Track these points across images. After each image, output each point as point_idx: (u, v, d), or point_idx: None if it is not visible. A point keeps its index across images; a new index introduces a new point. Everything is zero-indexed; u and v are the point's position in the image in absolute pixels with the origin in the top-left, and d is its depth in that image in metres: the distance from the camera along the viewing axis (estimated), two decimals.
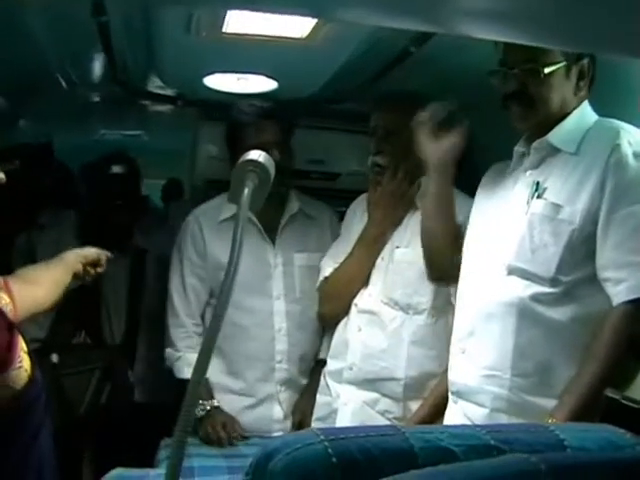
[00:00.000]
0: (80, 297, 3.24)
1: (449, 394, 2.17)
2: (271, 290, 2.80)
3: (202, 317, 2.85)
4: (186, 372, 2.75)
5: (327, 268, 2.68)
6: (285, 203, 2.86)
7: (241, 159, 1.18)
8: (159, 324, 3.28)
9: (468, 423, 2.01)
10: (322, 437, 0.98)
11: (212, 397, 2.74)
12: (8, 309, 1.53)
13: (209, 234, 2.81)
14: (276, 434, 2.74)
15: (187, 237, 2.85)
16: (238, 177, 1.15)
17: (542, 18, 1.05)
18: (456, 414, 2.11)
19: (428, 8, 1.10)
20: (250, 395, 2.81)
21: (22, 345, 1.33)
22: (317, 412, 2.67)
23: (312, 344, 2.84)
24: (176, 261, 2.86)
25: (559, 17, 1.03)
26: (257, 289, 2.78)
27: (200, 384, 1.00)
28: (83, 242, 3.30)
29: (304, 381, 2.84)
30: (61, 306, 3.16)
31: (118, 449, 2.99)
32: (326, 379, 2.66)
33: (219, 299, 1.02)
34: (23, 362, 1.30)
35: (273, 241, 2.83)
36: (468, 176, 2.39)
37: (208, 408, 2.71)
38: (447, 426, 1.82)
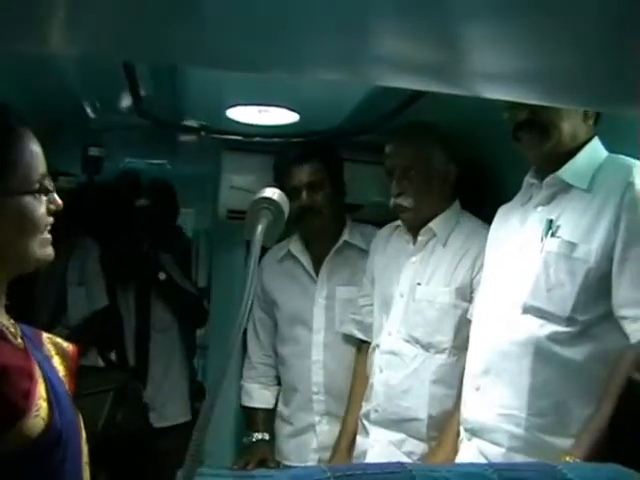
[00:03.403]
0: (97, 320, 3.29)
1: (462, 431, 2.14)
2: (312, 323, 2.85)
3: (275, 350, 2.97)
4: (245, 400, 2.96)
5: (356, 330, 2.77)
6: (338, 237, 2.90)
7: (256, 196, 1.21)
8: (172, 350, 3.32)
9: (484, 461, 1.99)
10: (329, 474, 0.99)
11: (266, 430, 2.87)
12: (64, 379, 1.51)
13: (267, 271, 2.94)
14: (310, 464, 2.77)
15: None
16: (252, 214, 1.17)
17: (557, 80, 1.06)
18: (471, 451, 2.08)
19: (444, 71, 1.12)
20: (291, 423, 2.89)
21: (42, 393, 1.32)
22: (355, 451, 2.64)
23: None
24: None
25: (573, 79, 1.03)
26: (300, 321, 2.87)
27: (209, 418, 1.00)
28: (106, 270, 3.37)
29: None
30: (75, 328, 3.22)
31: (133, 472, 3.01)
32: (362, 420, 2.63)
33: (230, 334, 1.03)
34: (40, 410, 1.30)
35: (318, 274, 2.89)
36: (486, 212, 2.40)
37: (253, 440, 2.83)
38: (455, 464, 1.81)
